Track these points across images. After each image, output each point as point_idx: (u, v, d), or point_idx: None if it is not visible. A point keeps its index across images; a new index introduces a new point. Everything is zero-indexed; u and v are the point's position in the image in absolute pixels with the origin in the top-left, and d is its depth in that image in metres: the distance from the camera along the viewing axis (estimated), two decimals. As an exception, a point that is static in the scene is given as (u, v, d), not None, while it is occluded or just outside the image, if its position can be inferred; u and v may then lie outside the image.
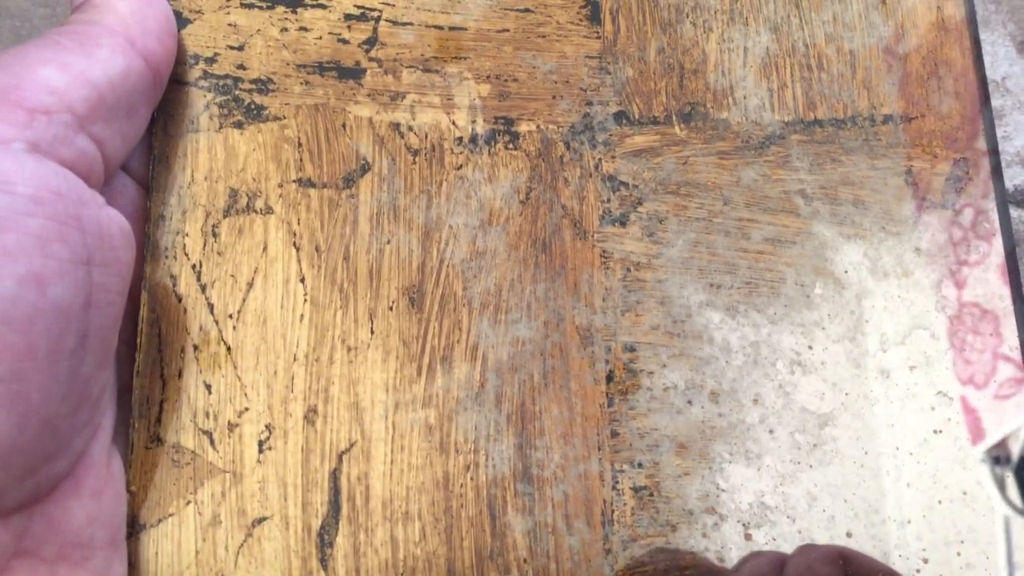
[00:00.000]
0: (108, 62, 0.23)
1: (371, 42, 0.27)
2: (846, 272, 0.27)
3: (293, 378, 0.25)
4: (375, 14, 0.27)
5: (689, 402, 0.25)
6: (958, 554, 0.25)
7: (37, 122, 0.21)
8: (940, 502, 0.25)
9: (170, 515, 0.24)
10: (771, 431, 0.25)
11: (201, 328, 0.25)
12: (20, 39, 0.37)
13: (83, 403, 0.21)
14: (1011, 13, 0.42)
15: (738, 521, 0.25)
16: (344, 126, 0.26)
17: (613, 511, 0.25)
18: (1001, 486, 0.24)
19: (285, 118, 0.26)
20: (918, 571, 0.25)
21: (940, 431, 0.26)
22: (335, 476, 0.24)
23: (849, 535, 0.25)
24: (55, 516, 0.21)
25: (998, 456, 0.25)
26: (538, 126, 0.27)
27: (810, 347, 0.26)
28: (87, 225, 0.21)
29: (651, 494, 0.25)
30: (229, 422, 0.24)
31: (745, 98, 0.28)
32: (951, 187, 0.27)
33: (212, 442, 0.24)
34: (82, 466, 0.22)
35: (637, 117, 0.27)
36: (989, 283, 0.26)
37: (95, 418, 0.22)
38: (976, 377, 0.25)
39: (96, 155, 0.22)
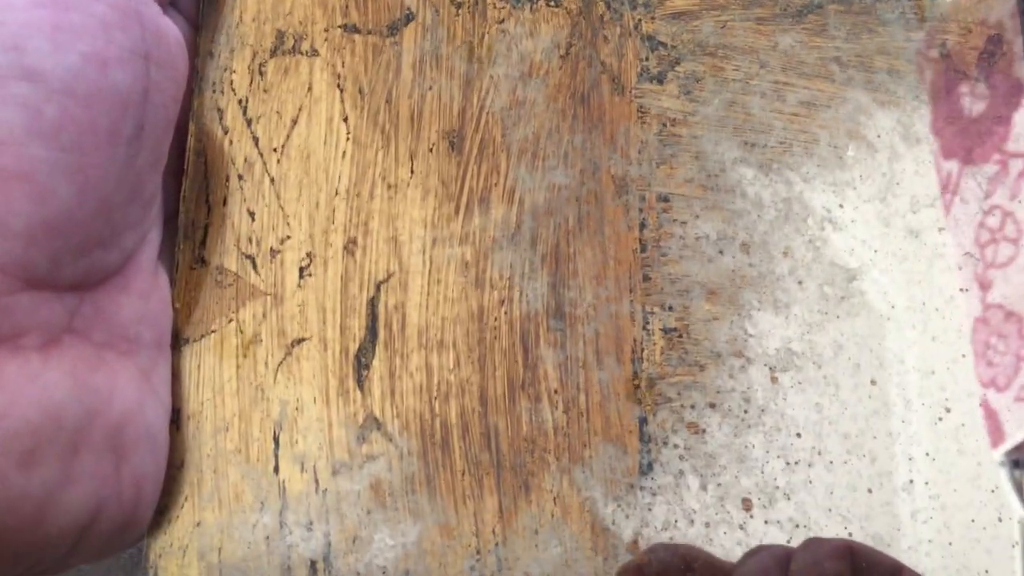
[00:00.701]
0: None
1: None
2: (879, 137, 0.27)
3: (334, 211, 0.25)
4: None
5: (720, 252, 0.25)
6: (980, 405, 0.25)
7: None
8: (964, 356, 0.25)
9: (212, 331, 0.24)
10: (800, 282, 0.25)
11: (246, 160, 0.25)
12: None
13: (135, 198, 0.21)
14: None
15: (765, 365, 0.25)
16: None
17: (643, 350, 0.25)
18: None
19: None
20: (940, 419, 0.25)
21: (967, 289, 0.25)
22: (373, 304, 0.24)
23: (873, 382, 0.25)
24: (105, 306, 0.21)
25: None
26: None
27: (841, 205, 0.26)
28: (147, 23, 0.21)
29: (680, 336, 0.25)
30: (271, 248, 0.25)
31: (784, -33, 0.28)
32: (984, 61, 0.27)
33: (255, 266, 0.24)
34: (131, 267, 0.22)
35: (677, -20, 0.27)
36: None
37: (145, 221, 0.22)
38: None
39: None
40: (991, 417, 0.24)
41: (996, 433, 0.24)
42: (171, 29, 0.22)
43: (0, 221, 0.18)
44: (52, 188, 0.19)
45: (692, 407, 0.24)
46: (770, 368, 0.25)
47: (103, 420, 0.20)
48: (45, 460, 0.19)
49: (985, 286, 0.26)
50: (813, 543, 0.23)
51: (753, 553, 0.23)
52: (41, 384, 0.19)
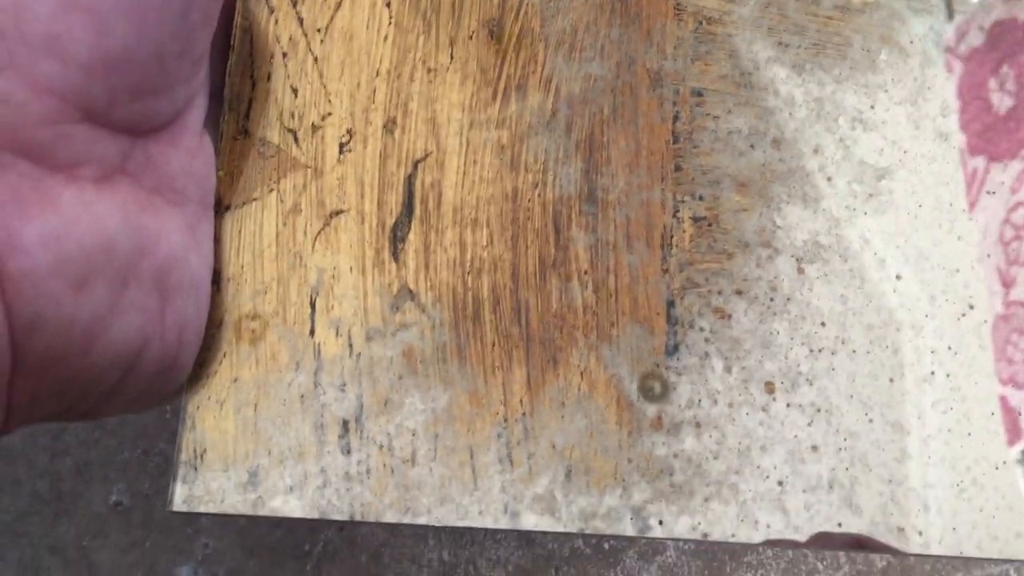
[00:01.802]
0: None
1: None
2: (912, 43, 0.26)
3: (375, 91, 0.24)
4: None
5: (752, 146, 0.25)
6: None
7: None
8: (989, 256, 0.24)
9: (254, 199, 0.24)
10: (829, 179, 0.25)
11: (291, 39, 0.25)
12: None
13: (187, 53, 0.21)
14: None
15: (792, 256, 0.24)
16: None
17: (672, 236, 0.24)
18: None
19: None
20: (963, 315, 0.24)
21: (993, 192, 0.25)
22: (410, 181, 0.24)
23: (899, 277, 0.24)
24: (155, 155, 0.21)
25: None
26: None
27: (872, 107, 0.25)
28: None
29: (709, 224, 0.24)
30: (313, 124, 0.24)
31: None
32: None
33: (296, 139, 0.24)
34: (179, 125, 0.22)
35: None
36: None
37: (194, 80, 0.22)
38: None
39: None
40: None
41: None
42: None
43: (63, 47, 0.18)
44: (112, 23, 0.19)
45: (719, 293, 0.24)
46: (797, 259, 0.24)
47: (151, 259, 0.20)
48: (96, 287, 0.19)
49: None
50: (822, 537, 0.22)
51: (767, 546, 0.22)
52: (95, 213, 0.19)
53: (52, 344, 0.18)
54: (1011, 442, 0.24)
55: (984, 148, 0.26)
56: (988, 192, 0.25)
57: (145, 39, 0.19)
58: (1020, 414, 0.24)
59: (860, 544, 0.22)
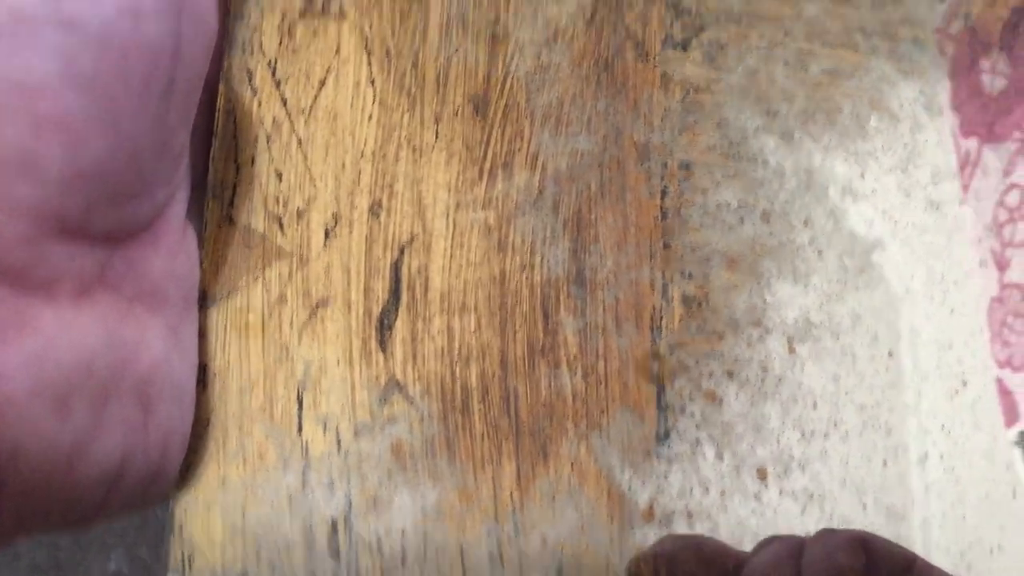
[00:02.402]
0: None
1: None
2: (901, 107, 0.25)
3: (360, 173, 0.23)
4: None
5: (741, 220, 0.24)
6: (996, 378, 0.23)
7: None
8: (981, 330, 0.23)
9: (239, 290, 0.23)
10: (820, 252, 0.24)
11: (274, 120, 0.24)
12: None
13: (166, 153, 0.20)
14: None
15: (783, 334, 0.23)
16: None
17: (662, 317, 0.23)
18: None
19: None
20: (957, 392, 0.23)
21: (985, 262, 0.24)
22: (396, 266, 0.23)
23: (890, 354, 0.23)
24: (135, 260, 0.20)
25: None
26: (607, -49, 0.25)
27: (862, 175, 0.24)
28: None
29: (699, 304, 0.23)
30: (298, 209, 0.23)
31: (812, -65, 0.26)
32: (1009, 32, 0.25)
33: (281, 226, 0.23)
34: (161, 224, 0.20)
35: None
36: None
37: (174, 178, 0.21)
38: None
39: None
40: (1006, 396, 0.23)
41: (1011, 413, 0.23)
42: None
43: (37, 167, 0.17)
44: (86, 136, 0.17)
45: (710, 375, 0.23)
46: (788, 338, 0.23)
47: (132, 371, 0.19)
48: (77, 407, 0.18)
49: (1003, 266, 0.24)
50: (826, 534, 0.21)
51: (766, 543, 0.22)
52: (75, 331, 0.18)
53: (35, 468, 0.18)
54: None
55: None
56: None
57: (121, 147, 0.18)
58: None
59: (864, 544, 0.21)
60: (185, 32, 0.19)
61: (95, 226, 0.18)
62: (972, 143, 0.25)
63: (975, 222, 0.24)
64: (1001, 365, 0.23)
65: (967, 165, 0.24)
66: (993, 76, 0.25)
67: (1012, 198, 0.24)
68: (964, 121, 0.25)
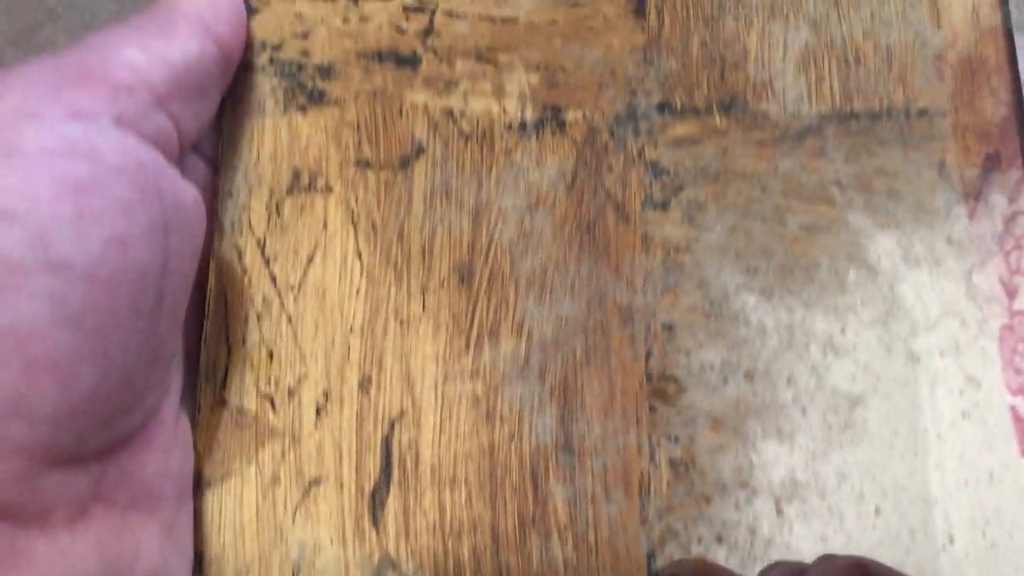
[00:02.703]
0: (185, 46, 0.22)
1: (428, 32, 0.26)
2: (879, 259, 0.25)
3: (349, 348, 0.24)
4: (432, 5, 0.26)
5: (725, 380, 0.24)
6: (983, 534, 0.23)
7: (121, 98, 0.20)
8: (967, 483, 0.24)
9: (233, 474, 0.23)
10: (803, 410, 0.24)
11: (264, 299, 0.24)
12: (91, 32, 0.36)
13: (157, 362, 0.20)
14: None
15: (770, 495, 0.24)
16: (401, 111, 0.25)
17: (650, 483, 0.23)
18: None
19: (345, 103, 0.25)
20: (944, 549, 0.23)
21: (968, 414, 0.24)
22: (387, 442, 0.23)
23: (878, 512, 0.23)
24: (128, 467, 0.20)
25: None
26: (584, 114, 0.26)
27: (843, 331, 0.25)
28: (165, 194, 0.20)
29: (686, 467, 0.24)
30: (289, 387, 0.24)
31: (784, 90, 0.26)
32: (983, 180, 0.26)
33: (273, 406, 0.23)
34: (153, 423, 0.21)
35: (679, 107, 0.26)
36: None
37: (167, 378, 0.21)
38: None
39: (172, 132, 0.22)
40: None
41: None
42: (188, 193, 0.21)
43: (29, 407, 0.17)
44: (78, 371, 0.18)
45: (699, 540, 0.23)
46: (775, 499, 0.24)
47: None
48: None
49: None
50: (826, 559, 0.21)
51: (768, 570, 0.22)
52: (69, 558, 0.18)
53: None
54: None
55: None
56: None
57: (111, 373, 0.19)
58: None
59: (863, 569, 0.21)
60: (173, 245, 0.20)
61: (87, 448, 0.19)
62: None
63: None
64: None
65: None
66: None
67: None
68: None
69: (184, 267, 0.21)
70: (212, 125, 0.25)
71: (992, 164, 0.26)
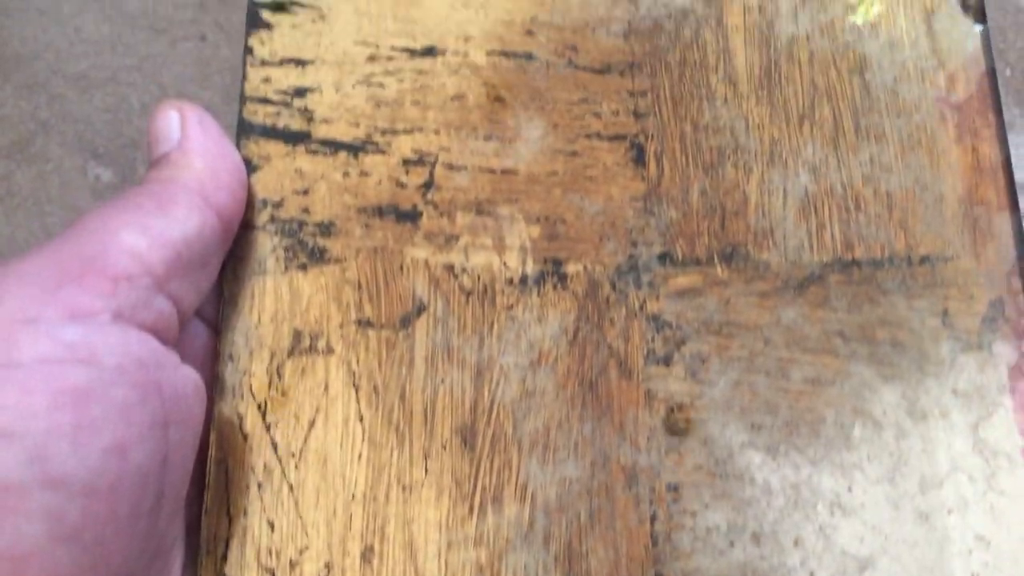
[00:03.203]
0: (185, 221, 0.22)
1: (427, 185, 0.26)
2: (884, 413, 0.25)
3: (351, 517, 0.24)
4: (431, 158, 0.26)
5: (731, 543, 0.24)
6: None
7: (121, 289, 0.20)
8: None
9: (233, 654, 0.23)
10: (812, 573, 0.24)
11: (265, 467, 0.24)
12: (84, 143, 0.36)
13: (158, 555, 0.20)
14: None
15: (779, 665, 0.23)
16: (401, 268, 0.25)
17: (657, 653, 0.23)
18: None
19: (346, 260, 0.25)
20: None
21: (977, 574, 0.24)
22: (390, 615, 0.23)
23: None
24: None
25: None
26: (585, 267, 0.26)
27: (850, 489, 0.24)
28: (165, 389, 0.20)
29: (694, 637, 0.23)
30: (291, 560, 0.23)
31: (785, 239, 0.26)
32: (987, 328, 0.26)
33: (274, 580, 0.23)
34: None
35: (680, 258, 0.26)
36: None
37: (168, 565, 0.21)
38: None
39: (173, 312, 0.22)
40: None
41: None
42: (189, 380, 0.21)
43: None
44: None
45: None
46: (784, 669, 0.23)
47: None
48: None
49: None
50: None
51: None
52: None
53: None
54: None
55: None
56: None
57: None
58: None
59: None
60: (173, 438, 0.20)
61: None
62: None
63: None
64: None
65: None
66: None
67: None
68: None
69: (184, 455, 0.20)
70: (213, 287, 0.24)
71: (996, 312, 0.26)
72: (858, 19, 0.28)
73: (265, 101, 0.26)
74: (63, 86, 0.36)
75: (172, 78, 0.36)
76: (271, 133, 0.26)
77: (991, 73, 0.27)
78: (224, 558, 0.23)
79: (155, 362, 0.20)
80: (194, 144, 0.24)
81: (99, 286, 0.20)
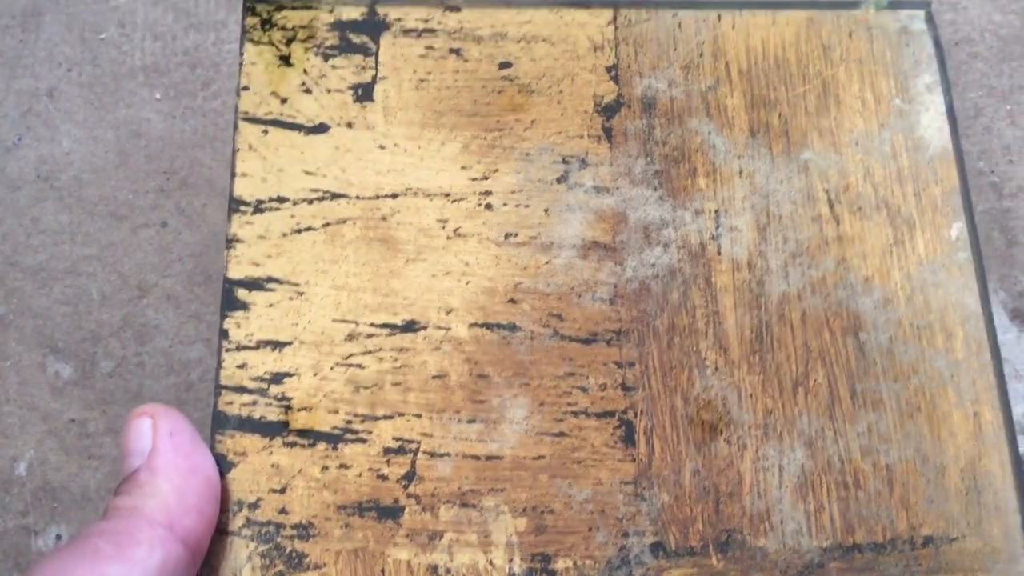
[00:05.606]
0: (146, 561, 0.21)
1: (409, 477, 0.25)
2: None
3: None
4: (413, 446, 0.25)
5: None
6: None
7: None
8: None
9: None
10: None
11: None
12: (43, 337, 0.35)
13: None
14: (1000, 281, 0.38)
15: None
16: (383, 572, 0.24)
17: None
18: None
19: (325, 565, 0.24)
20: None
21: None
22: None
23: None
24: None
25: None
26: (575, 562, 0.24)
27: None
28: None
29: None
30: None
31: (782, 522, 0.25)
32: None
33: None
34: None
35: (674, 548, 0.24)
36: None
37: None
38: None
39: None
40: None
41: None
42: None
43: None
44: None
45: None
46: None
47: None
48: None
49: None
50: None
51: None
52: None
53: None
54: None
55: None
56: None
57: None
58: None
59: None
60: None
61: None
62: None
63: None
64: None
65: None
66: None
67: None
68: None
69: None
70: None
71: (1004, 596, 0.24)
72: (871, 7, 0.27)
73: (241, 390, 0.25)
74: (21, 279, 0.35)
75: (133, 267, 0.35)
76: (247, 425, 0.25)
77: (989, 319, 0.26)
78: None
79: None
80: (162, 461, 0.23)
81: None
